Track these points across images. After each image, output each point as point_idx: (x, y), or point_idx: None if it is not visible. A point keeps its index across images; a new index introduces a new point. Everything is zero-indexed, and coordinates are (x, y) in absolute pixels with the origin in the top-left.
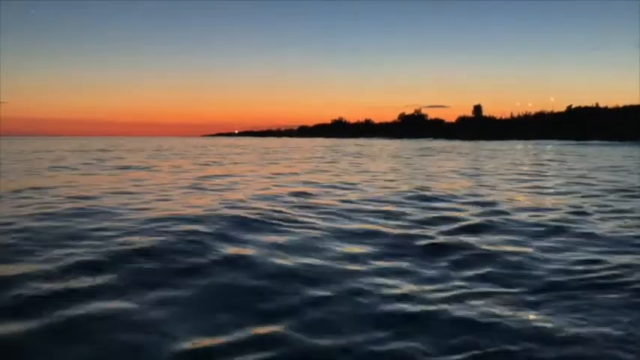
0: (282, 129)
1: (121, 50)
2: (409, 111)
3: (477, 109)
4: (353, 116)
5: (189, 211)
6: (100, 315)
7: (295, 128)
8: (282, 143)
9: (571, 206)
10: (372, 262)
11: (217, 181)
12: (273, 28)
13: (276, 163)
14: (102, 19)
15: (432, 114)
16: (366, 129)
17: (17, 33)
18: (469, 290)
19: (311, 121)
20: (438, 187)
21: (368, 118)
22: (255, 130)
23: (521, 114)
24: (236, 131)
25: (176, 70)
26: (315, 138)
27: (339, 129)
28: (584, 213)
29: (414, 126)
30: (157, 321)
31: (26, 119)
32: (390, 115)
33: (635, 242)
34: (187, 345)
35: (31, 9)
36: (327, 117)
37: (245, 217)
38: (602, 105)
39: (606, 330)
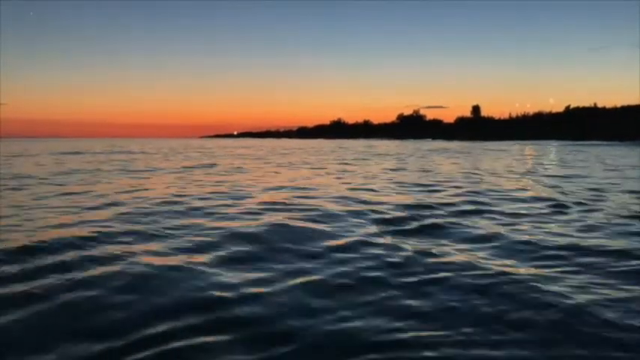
0: (281, 130)
1: (120, 52)
2: (408, 112)
3: (476, 109)
4: (352, 117)
5: None
6: None
7: (294, 129)
8: (301, 144)
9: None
10: None
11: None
12: (272, 29)
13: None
14: (102, 20)
15: (430, 114)
16: (365, 130)
17: (17, 34)
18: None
19: (310, 122)
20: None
21: (367, 118)
22: (254, 131)
23: (519, 114)
24: (235, 132)
25: (175, 71)
26: (315, 139)
27: (338, 130)
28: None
29: (412, 126)
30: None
31: (26, 121)
32: (389, 116)
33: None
34: None
35: (30, 11)
36: (325, 118)
37: None
38: (600, 105)
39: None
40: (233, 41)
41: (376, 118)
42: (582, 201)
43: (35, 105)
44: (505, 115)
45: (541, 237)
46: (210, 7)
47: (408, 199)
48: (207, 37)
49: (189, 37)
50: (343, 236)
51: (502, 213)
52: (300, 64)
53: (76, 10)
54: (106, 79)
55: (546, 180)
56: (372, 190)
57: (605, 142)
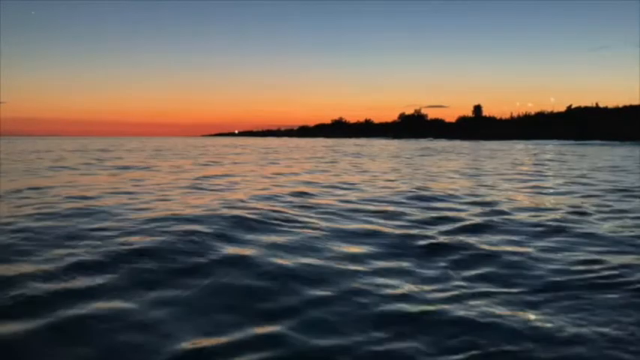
0: (282, 129)
1: (120, 50)
2: (409, 111)
3: (477, 109)
4: (353, 116)
5: None
6: (100, 315)
7: (295, 128)
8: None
9: (570, 206)
10: None
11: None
12: (273, 28)
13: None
14: (102, 19)
15: (431, 114)
16: (366, 129)
17: (17, 33)
18: (469, 290)
19: (311, 121)
20: None
21: (368, 118)
22: (254, 130)
23: (521, 114)
24: (236, 131)
25: (175, 70)
26: (316, 138)
27: (339, 129)
28: (584, 213)
29: (413, 126)
30: (157, 321)
31: (26, 119)
32: (390, 115)
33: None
34: (187, 345)
35: (32, 10)
36: (326, 117)
37: None
38: (602, 105)
39: (606, 330)
40: (234, 40)
41: (377, 118)
42: (602, 209)
43: (35, 103)
44: (506, 115)
45: (570, 254)
46: (210, 6)
47: None
48: (207, 36)
49: (190, 36)
50: None
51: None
52: (301, 64)
53: (77, 9)
54: (106, 77)
55: (557, 181)
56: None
57: (605, 142)
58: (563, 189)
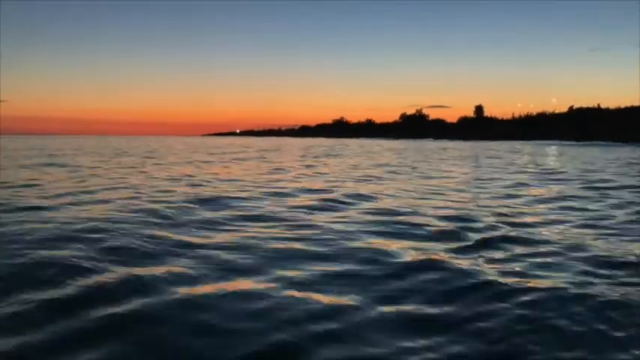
0: (283, 129)
1: (121, 49)
2: (410, 111)
3: (479, 109)
4: (354, 116)
5: None
6: None
7: (296, 128)
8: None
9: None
10: None
11: None
12: (273, 28)
13: None
14: (102, 18)
15: (433, 114)
16: (368, 129)
17: (17, 32)
18: None
19: (312, 120)
20: None
21: (369, 118)
22: (256, 129)
23: (522, 114)
24: (237, 131)
25: (176, 69)
26: (317, 138)
27: (340, 129)
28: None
29: (415, 126)
30: None
31: (26, 117)
32: (392, 115)
33: None
34: None
35: (32, 8)
36: (327, 117)
37: None
38: (603, 106)
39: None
40: (235, 40)
41: (378, 118)
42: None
43: (36, 102)
44: (508, 115)
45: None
46: (211, 6)
47: None
48: (208, 36)
49: (191, 36)
50: None
51: None
52: (303, 64)
53: (77, 8)
54: (107, 76)
55: None
56: None
57: (608, 143)
58: None
